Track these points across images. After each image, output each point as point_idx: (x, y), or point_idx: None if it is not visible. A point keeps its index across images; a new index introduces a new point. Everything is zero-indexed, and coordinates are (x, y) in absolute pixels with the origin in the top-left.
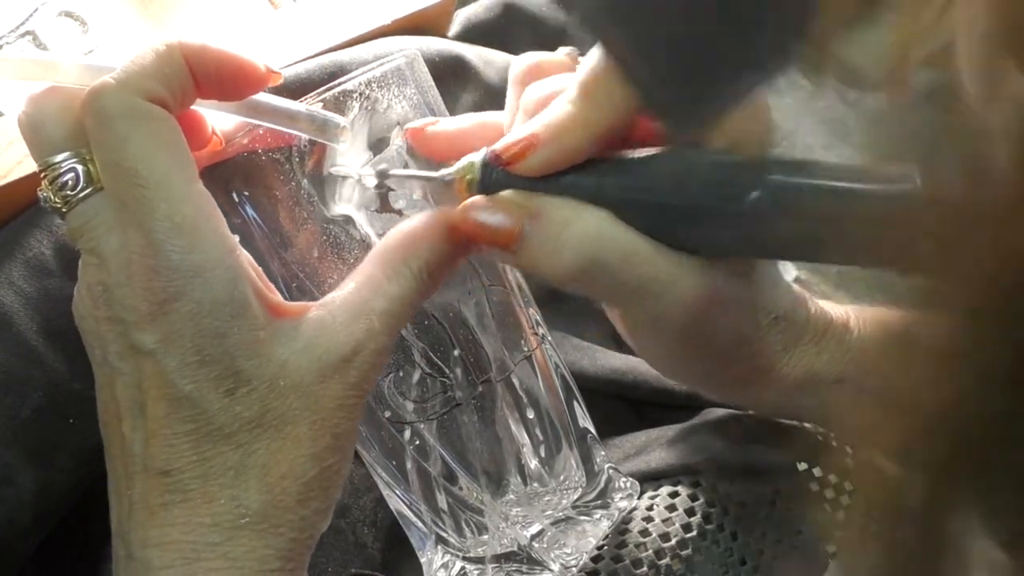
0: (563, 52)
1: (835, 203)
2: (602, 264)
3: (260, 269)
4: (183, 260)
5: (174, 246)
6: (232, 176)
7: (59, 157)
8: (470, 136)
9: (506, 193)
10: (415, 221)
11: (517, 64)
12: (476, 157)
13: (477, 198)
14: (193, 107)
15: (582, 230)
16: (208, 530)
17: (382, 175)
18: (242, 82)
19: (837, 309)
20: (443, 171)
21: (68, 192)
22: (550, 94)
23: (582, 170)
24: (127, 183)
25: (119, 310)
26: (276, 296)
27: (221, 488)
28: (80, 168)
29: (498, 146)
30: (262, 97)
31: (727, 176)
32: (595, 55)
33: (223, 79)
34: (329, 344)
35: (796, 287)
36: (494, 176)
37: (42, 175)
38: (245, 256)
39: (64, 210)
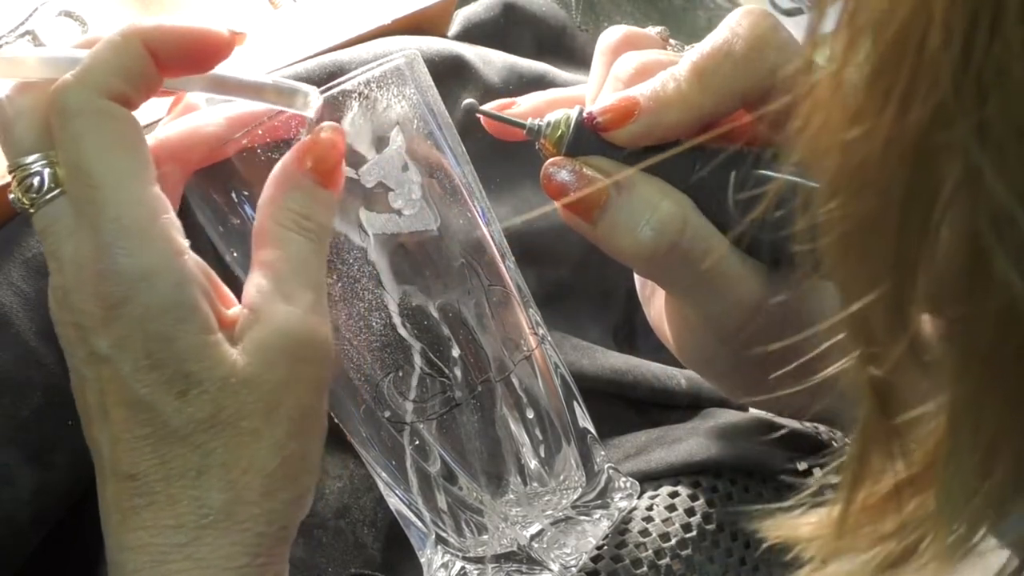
0: (653, 30)
1: None
2: (682, 251)
3: (213, 273)
4: (129, 264)
5: (120, 249)
6: (232, 176)
7: (29, 159)
8: (543, 114)
9: (598, 159)
10: (266, 188)
11: (609, 34)
12: (573, 112)
13: (564, 158)
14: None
15: (669, 212)
16: (173, 531)
17: (471, 108)
18: (209, 52)
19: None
20: (533, 120)
21: (34, 194)
22: (646, 64)
23: (671, 151)
24: (81, 184)
25: (77, 315)
26: (229, 302)
27: (183, 489)
28: (47, 171)
29: (595, 108)
30: (227, 72)
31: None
32: (710, 39)
33: (188, 54)
34: (268, 333)
35: None
36: (585, 138)
37: (12, 176)
38: (195, 261)
39: (31, 212)
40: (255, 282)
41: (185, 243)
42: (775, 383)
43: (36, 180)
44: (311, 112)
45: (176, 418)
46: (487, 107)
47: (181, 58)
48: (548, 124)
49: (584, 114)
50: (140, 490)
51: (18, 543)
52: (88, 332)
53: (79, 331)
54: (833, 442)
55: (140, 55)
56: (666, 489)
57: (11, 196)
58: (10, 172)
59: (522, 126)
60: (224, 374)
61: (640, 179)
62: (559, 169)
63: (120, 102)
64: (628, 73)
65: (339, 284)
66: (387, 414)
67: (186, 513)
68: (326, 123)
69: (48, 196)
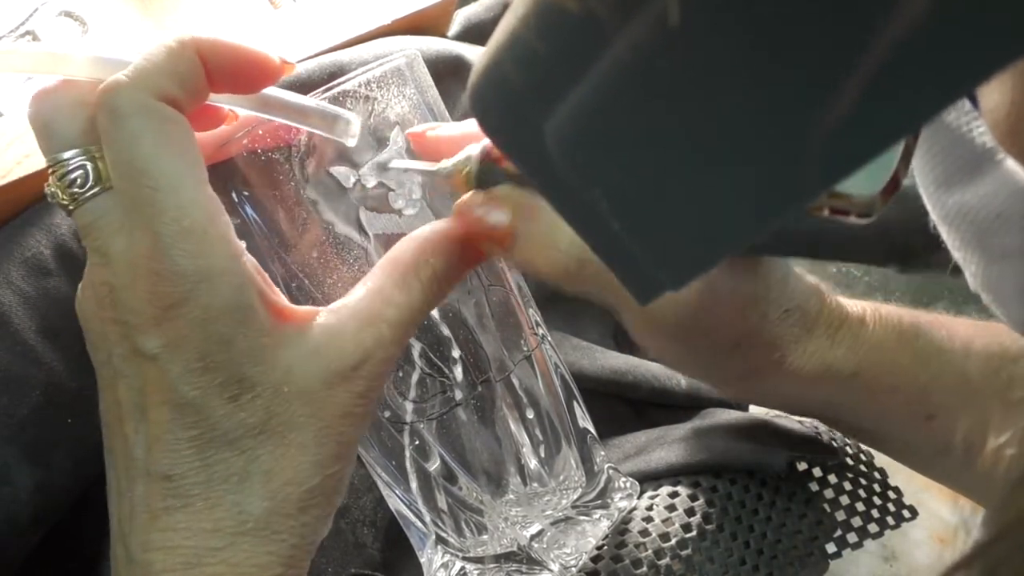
0: None
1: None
2: (593, 263)
3: (265, 273)
4: (190, 265)
5: (181, 250)
6: (232, 176)
7: (68, 154)
8: (472, 139)
9: (502, 189)
10: (426, 230)
11: None
12: (475, 150)
13: (473, 194)
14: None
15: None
16: (210, 535)
17: (382, 167)
18: (257, 75)
19: (853, 304)
20: (443, 163)
21: (76, 189)
22: None
23: None
24: (136, 184)
25: (123, 312)
26: (282, 299)
27: (224, 494)
28: (89, 166)
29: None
30: (273, 92)
31: None
32: None
33: (237, 73)
34: (337, 352)
35: (811, 278)
36: (490, 170)
37: (50, 171)
38: (251, 260)
39: (71, 208)
40: (359, 297)
41: (242, 244)
42: (755, 375)
43: (78, 175)
44: (350, 139)
45: (225, 422)
46: (411, 130)
47: (230, 75)
48: (454, 163)
49: (482, 149)
50: (176, 492)
51: (18, 542)
52: (133, 330)
53: (122, 328)
54: (833, 442)
55: (194, 62)
56: (666, 489)
57: (48, 191)
58: (48, 167)
59: (432, 172)
60: (278, 380)
61: (544, 202)
62: (468, 205)
63: (171, 106)
64: None
65: (339, 285)
66: (387, 414)
67: (225, 518)
68: (497, 213)
69: (91, 192)
